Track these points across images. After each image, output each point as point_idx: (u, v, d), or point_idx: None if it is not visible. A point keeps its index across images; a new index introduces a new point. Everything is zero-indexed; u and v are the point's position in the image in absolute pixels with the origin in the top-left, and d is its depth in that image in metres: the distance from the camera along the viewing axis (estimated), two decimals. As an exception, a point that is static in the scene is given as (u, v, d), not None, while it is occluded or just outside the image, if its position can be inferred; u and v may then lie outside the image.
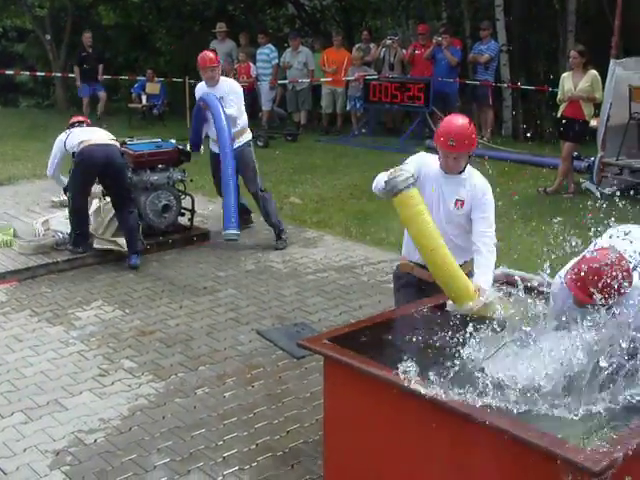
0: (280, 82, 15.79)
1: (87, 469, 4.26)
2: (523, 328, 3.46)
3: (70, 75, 18.83)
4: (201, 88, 8.22)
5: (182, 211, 8.27)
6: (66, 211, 7.88)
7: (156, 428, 4.65)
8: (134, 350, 5.71)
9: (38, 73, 19.97)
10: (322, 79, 15.30)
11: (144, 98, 17.04)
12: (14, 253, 7.64)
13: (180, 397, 5.03)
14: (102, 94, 17.85)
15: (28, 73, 21.82)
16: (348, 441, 3.60)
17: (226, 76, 15.42)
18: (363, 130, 15.15)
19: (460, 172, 4.48)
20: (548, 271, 3.77)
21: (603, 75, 9.97)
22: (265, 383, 5.23)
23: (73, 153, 7.51)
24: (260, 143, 13.75)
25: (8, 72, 21.56)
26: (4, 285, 6.97)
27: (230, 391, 5.11)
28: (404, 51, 15.06)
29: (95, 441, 4.53)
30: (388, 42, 15.33)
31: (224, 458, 4.35)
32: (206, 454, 4.39)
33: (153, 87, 17.10)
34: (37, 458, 4.36)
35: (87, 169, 7.41)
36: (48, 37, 18.60)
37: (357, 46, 15.75)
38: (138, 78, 17.98)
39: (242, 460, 4.33)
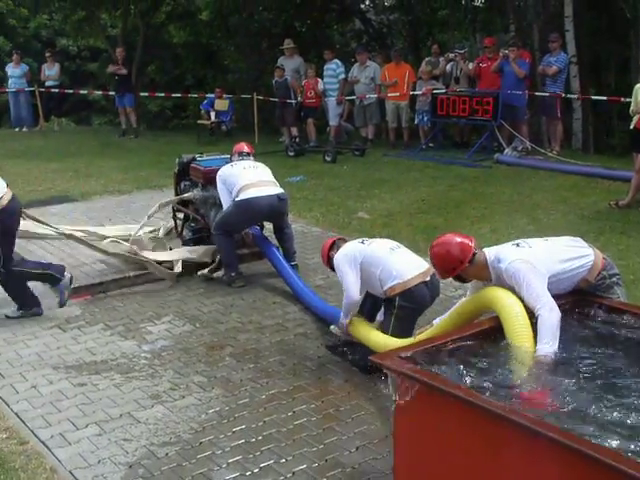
0: (348, 98, 15.84)
1: (158, 482, 4.32)
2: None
3: (142, 94, 19.25)
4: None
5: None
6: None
7: (226, 442, 4.69)
8: (204, 365, 5.77)
9: (110, 93, 20.37)
10: (389, 94, 15.30)
11: (213, 115, 17.27)
12: (87, 268, 7.79)
13: (250, 412, 5.06)
14: (129, 109, 18.32)
15: (101, 92, 22.29)
16: (419, 460, 3.57)
17: (293, 92, 15.71)
18: (431, 144, 15.10)
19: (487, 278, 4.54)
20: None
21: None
22: (335, 398, 5.22)
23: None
24: (328, 158, 13.82)
25: (82, 91, 22.12)
26: (78, 299, 7.12)
27: (299, 406, 5.11)
28: (470, 64, 14.98)
29: (167, 454, 4.58)
30: (451, 55, 15.29)
31: (293, 473, 4.36)
32: (275, 469, 4.41)
33: (222, 104, 17.31)
34: (111, 470, 4.43)
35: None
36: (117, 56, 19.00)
37: (426, 60, 15.73)
38: (207, 95, 18.23)
39: (311, 476, 4.33)
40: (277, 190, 7.56)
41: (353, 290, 5.60)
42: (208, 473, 4.38)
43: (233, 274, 7.52)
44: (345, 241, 5.97)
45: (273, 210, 7.51)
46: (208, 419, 4.98)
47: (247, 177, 7.47)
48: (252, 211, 7.42)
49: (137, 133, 18.41)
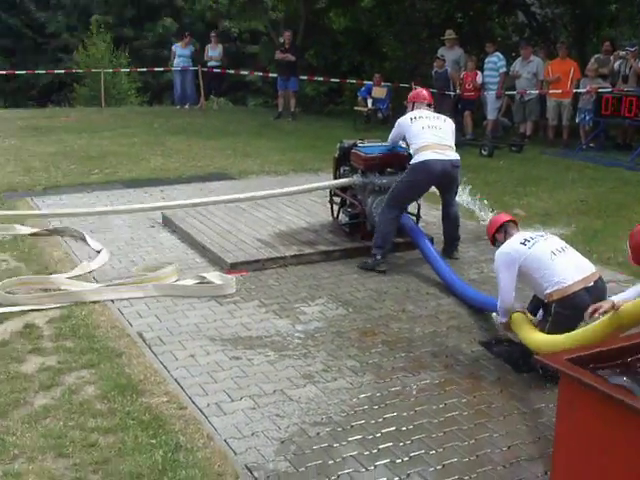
0: (508, 93, 15.55)
1: (309, 460, 4.36)
2: None
3: (301, 77, 19.50)
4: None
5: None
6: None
7: (376, 428, 4.70)
8: (357, 349, 5.80)
9: (271, 74, 20.77)
10: (551, 91, 14.91)
11: (370, 102, 17.32)
12: (246, 245, 7.98)
13: (400, 400, 5.06)
14: (291, 92, 18.50)
15: (261, 74, 22.72)
16: (580, 466, 3.48)
17: (452, 83, 15.56)
18: (591, 144, 14.63)
19: None
20: None
21: None
22: (487, 395, 5.15)
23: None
24: (484, 152, 13.63)
25: (243, 72, 22.65)
26: (235, 274, 7.31)
27: (450, 399, 5.07)
28: (641, 63, 14.39)
29: (318, 434, 4.64)
30: (622, 53, 14.72)
31: (443, 466, 4.33)
32: (425, 460, 4.39)
33: (379, 91, 17.35)
34: (264, 443, 4.52)
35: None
36: (281, 40, 19.32)
37: (595, 57, 15.22)
38: (365, 82, 18.30)
39: (462, 470, 4.29)
40: (453, 155, 7.57)
41: (507, 293, 5.49)
42: (358, 457, 4.40)
43: (379, 257, 7.54)
44: (516, 226, 5.84)
45: (445, 175, 7.53)
46: (359, 403, 5.01)
47: (425, 138, 7.50)
48: (426, 173, 7.45)
49: (294, 116, 18.69)
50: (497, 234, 5.85)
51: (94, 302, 6.62)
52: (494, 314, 6.07)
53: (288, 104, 19.01)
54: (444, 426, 4.74)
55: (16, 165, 12.44)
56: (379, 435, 4.62)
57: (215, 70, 20.27)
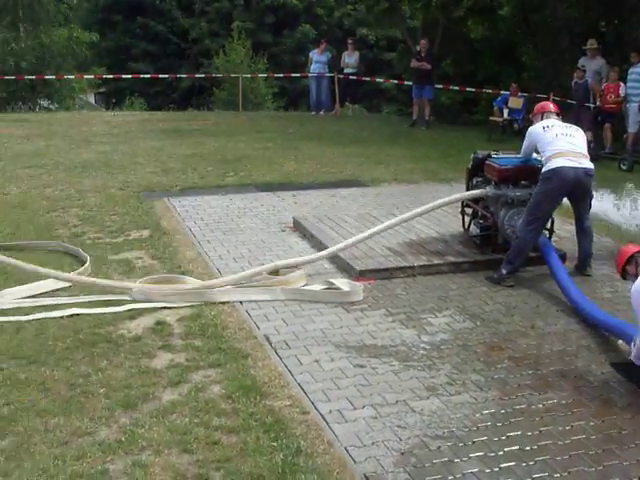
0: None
1: (429, 473, 4.31)
2: None
3: (437, 86, 19.41)
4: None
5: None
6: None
7: (499, 446, 4.60)
8: (482, 364, 5.70)
9: (406, 82, 20.74)
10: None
11: (505, 112, 17.03)
12: (375, 253, 7.98)
13: (525, 419, 4.93)
14: (426, 100, 18.37)
15: (396, 82, 22.73)
16: None
17: (592, 95, 15.09)
18: None
19: None
20: None
21: None
22: (617, 420, 4.96)
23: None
24: (624, 167, 13.20)
25: (378, 79, 22.73)
26: (363, 282, 7.32)
27: (578, 422, 4.91)
28: None
29: (439, 448, 4.58)
30: None
31: (568, 490, 4.21)
32: (549, 482, 4.28)
33: (516, 102, 17.04)
34: (384, 453, 4.50)
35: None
36: (418, 48, 19.26)
37: None
38: (501, 92, 18.01)
39: (587, 497, 4.16)
40: (586, 164, 7.36)
41: None
42: (479, 474, 4.32)
43: (504, 272, 7.40)
44: None
45: (578, 184, 7.32)
46: (482, 419, 4.92)
47: (559, 145, 7.34)
48: (559, 181, 7.26)
49: (428, 125, 18.60)
50: (628, 266, 5.61)
51: (223, 303, 6.76)
52: (620, 341, 5.84)
53: (422, 112, 18.93)
54: (570, 449, 4.59)
55: (155, 166, 12.87)
56: (502, 453, 4.53)
57: (351, 77, 20.40)
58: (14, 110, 23.98)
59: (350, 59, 20.58)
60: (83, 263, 7.60)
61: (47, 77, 24.94)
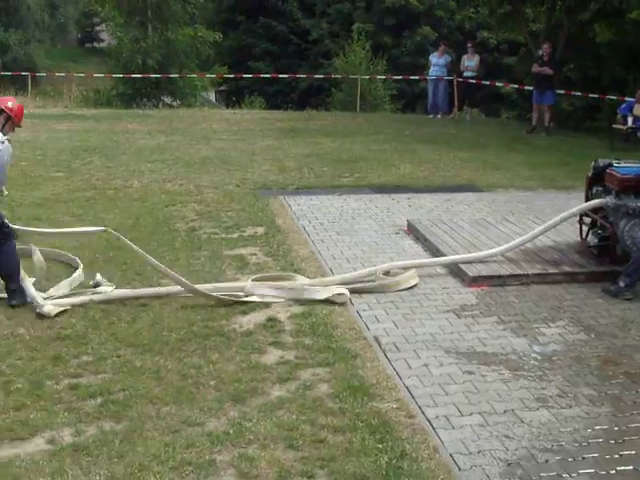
0: None
1: (536, 487, 4.25)
2: None
3: (558, 91, 18.99)
4: None
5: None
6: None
7: (611, 464, 4.46)
8: (596, 378, 5.55)
9: (526, 87, 20.37)
10: None
11: (630, 120, 16.49)
12: (488, 259, 7.87)
13: (640, 438, 4.79)
14: (546, 106, 17.97)
15: (516, 86, 22.37)
16: None
17: None
18: None
19: None
20: None
21: None
22: None
23: None
24: None
25: (498, 84, 22.41)
26: (475, 288, 7.24)
27: (695, 444, 4.72)
28: None
29: (547, 461, 4.48)
30: None
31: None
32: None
33: (641, 109, 16.47)
34: (489, 463, 4.43)
35: None
36: (540, 53, 18.87)
37: None
38: (626, 99, 17.47)
39: None
40: None
41: None
42: (588, 491, 4.22)
43: (622, 285, 7.18)
44: None
45: None
46: (594, 435, 4.78)
47: None
48: None
49: (548, 131, 18.23)
50: None
51: (334, 303, 6.79)
52: None
53: (542, 118, 18.55)
54: (688, 472, 4.42)
55: (272, 164, 13.06)
56: (613, 472, 4.39)
57: (470, 81, 20.19)
58: (138, 106, 24.77)
59: (470, 62, 20.37)
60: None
61: (171, 75, 25.65)
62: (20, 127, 6.95)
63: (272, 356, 5.75)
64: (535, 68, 18.53)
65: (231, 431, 4.65)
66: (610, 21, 21.68)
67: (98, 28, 51.43)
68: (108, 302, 6.70)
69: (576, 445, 4.66)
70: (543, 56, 18.42)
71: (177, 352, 5.75)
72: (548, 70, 18.09)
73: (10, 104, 6.68)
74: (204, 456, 4.39)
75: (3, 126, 6.56)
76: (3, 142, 6.47)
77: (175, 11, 27.99)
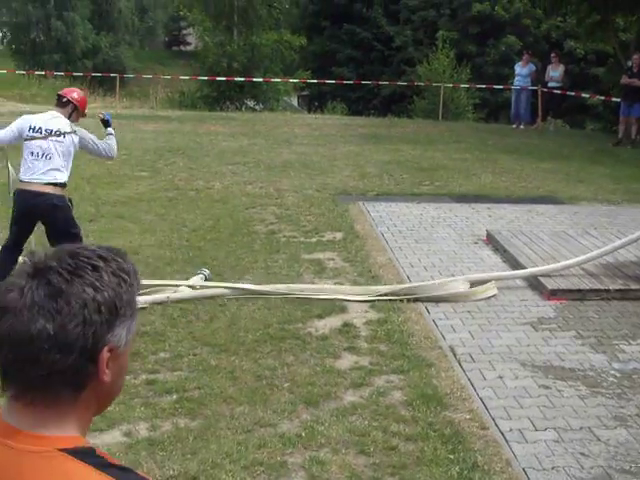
0: None
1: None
2: None
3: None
4: None
5: None
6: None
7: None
8: (670, 398, 5.42)
9: (613, 99, 19.97)
10: None
11: None
12: (568, 272, 7.74)
13: None
14: (634, 118, 17.55)
15: (603, 97, 21.95)
16: None
17: None
18: None
19: None
20: None
21: None
22: None
23: None
24: None
25: (584, 95, 22.01)
26: (554, 302, 7.14)
27: None
28: None
29: (623, 482, 4.40)
30: None
31: None
32: None
33: None
34: (563, 479, 4.38)
35: None
36: (630, 63, 18.47)
37: None
38: None
39: None
40: None
41: None
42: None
43: None
44: None
45: None
46: (664, 455, 4.68)
47: None
48: None
49: (635, 144, 17.83)
50: None
51: (411, 310, 6.79)
52: None
53: (629, 131, 18.14)
54: None
55: (352, 170, 13.09)
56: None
57: (555, 91, 19.88)
58: (222, 109, 25.11)
59: (555, 73, 20.04)
60: None
61: (255, 79, 25.95)
62: (85, 117, 7.14)
63: (346, 361, 5.77)
64: (624, 79, 18.13)
65: (303, 434, 4.69)
66: None
67: (185, 32, 52.38)
68: (186, 301, 6.83)
69: (649, 467, 4.56)
70: (632, 67, 18.02)
71: (252, 353, 5.82)
72: (638, 82, 17.69)
73: (75, 95, 6.90)
74: (276, 457, 4.44)
75: (70, 115, 6.78)
76: (75, 131, 6.69)
77: (261, 15, 28.30)
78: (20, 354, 1.30)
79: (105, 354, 1.34)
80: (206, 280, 7.22)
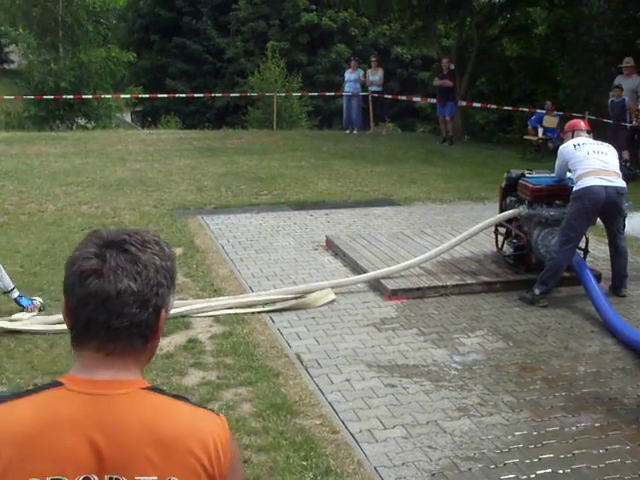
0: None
1: (460, 496, 4.29)
2: None
3: (474, 104, 19.43)
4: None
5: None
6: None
7: (531, 469, 4.54)
8: (515, 385, 5.65)
9: (433, 101, 20.77)
10: None
11: (540, 131, 16.94)
12: (407, 272, 7.94)
13: (557, 441, 4.87)
14: (447, 117, 18.51)
15: (420, 99, 22.84)
16: None
17: (630, 114, 14.98)
18: None
19: None
20: None
21: None
22: (653, 443, 4.89)
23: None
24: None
25: (415, 99, 22.75)
26: (395, 301, 7.31)
27: (612, 445, 4.83)
28: None
29: (470, 469, 4.54)
30: None
31: (601, 515, 4.14)
32: (582, 507, 4.21)
33: (551, 120, 16.95)
34: (413, 474, 4.47)
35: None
36: (452, 66, 19.28)
37: None
38: (536, 110, 17.94)
39: (622, 521, 4.09)
40: (618, 182, 7.30)
41: None
42: (511, 497, 4.28)
43: (537, 293, 7.35)
44: None
45: (609, 202, 7.23)
46: (514, 441, 4.87)
47: (590, 164, 7.29)
48: (590, 200, 7.20)
49: (451, 141, 18.65)
50: None
51: (256, 321, 6.77)
52: None
53: (448, 128, 19.02)
54: (604, 473, 4.52)
55: (189, 184, 12.95)
56: (533, 476, 4.48)
57: (374, 95, 20.38)
58: (52, 129, 24.29)
59: (374, 77, 20.47)
60: None
61: (85, 97, 25.27)
62: None
63: (194, 377, 5.69)
64: (436, 81, 19.11)
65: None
66: (518, 36, 22.34)
67: (7, 49, 50.32)
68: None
69: (497, 452, 4.73)
70: (443, 70, 19.01)
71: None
72: (448, 82, 18.60)
73: None
74: None
75: None
76: None
77: (87, 32, 27.59)
78: (107, 309, 1.58)
79: (164, 314, 1.66)
80: (41, 310, 6.95)
